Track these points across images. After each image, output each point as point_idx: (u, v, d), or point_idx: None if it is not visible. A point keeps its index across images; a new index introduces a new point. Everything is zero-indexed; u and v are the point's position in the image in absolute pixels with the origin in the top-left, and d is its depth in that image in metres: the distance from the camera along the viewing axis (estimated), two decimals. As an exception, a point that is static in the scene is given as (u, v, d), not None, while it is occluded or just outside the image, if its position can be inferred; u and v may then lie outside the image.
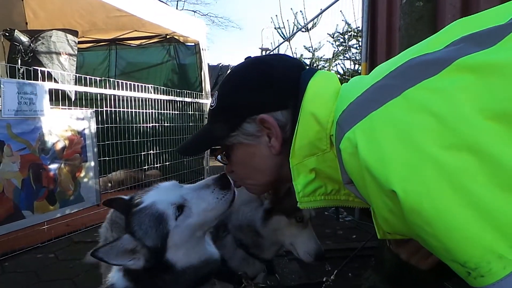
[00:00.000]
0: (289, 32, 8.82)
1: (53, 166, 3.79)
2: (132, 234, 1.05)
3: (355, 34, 5.42)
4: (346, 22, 5.59)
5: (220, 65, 17.56)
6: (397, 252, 0.94)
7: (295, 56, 7.62)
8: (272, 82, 0.93)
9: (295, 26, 8.04)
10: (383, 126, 0.64)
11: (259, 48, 9.00)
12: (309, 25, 7.23)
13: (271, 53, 9.00)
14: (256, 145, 0.96)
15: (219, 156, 1.11)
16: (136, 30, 6.79)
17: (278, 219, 1.56)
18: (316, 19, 6.95)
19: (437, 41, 0.73)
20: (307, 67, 1.01)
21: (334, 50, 6.12)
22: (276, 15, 8.70)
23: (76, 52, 4.94)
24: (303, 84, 0.90)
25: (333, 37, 5.94)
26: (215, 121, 1.02)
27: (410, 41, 2.48)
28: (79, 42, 5.53)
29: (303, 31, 7.47)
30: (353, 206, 0.95)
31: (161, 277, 1.07)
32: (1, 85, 3.20)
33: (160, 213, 1.05)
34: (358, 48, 5.49)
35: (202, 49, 6.63)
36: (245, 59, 1.08)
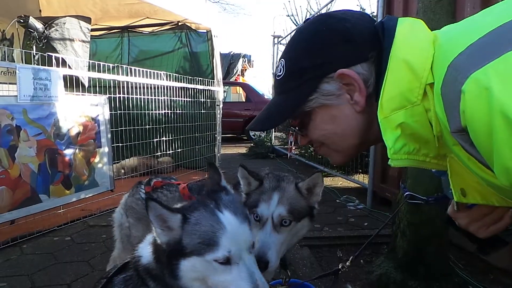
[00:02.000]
0: (302, 19, 8.69)
1: (68, 151, 3.86)
2: (183, 219, 1.03)
3: (370, 19, 5.30)
4: (361, 7, 5.47)
5: (232, 53, 17.52)
6: (454, 217, 0.92)
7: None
8: (347, 36, 0.86)
9: (308, 12, 7.91)
10: None
11: (272, 36, 8.89)
12: (323, 11, 7.10)
13: (284, 40, 8.89)
14: (337, 105, 0.89)
15: (292, 128, 1.02)
16: (148, 17, 6.78)
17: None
18: (329, 4, 6.82)
19: None
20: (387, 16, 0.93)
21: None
22: (289, 1, 8.57)
23: (89, 38, 4.96)
24: (390, 31, 0.83)
25: (347, 23, 5.82)
26: (287, 90, 0.93)
27: (428, 25, 2.40)
28: (92, 30, 5.55)
29: (316, 18, 7.34)
30: (428, 168, 0.86)
31: (168, 274, 1.06)
32: (17, 71, 3.24)
33: (216, 242, 1.00)
34: (373, 34, 5.36)
35: (214, 36, 6.60)
36: (304, 21, 1.00)
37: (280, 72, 0.94)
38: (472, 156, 0.69)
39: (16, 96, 3.32)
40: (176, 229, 1.03)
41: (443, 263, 2.56)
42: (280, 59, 0.97)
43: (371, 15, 5.29)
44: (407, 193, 2.44)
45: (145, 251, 1.16)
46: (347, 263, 1.63)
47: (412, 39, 0.81)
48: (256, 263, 1.09)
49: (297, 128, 1.02)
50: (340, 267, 1.63)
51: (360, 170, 5.47)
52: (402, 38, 0.81)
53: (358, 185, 5.26)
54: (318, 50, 0.88)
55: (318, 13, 7.22)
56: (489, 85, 0.59)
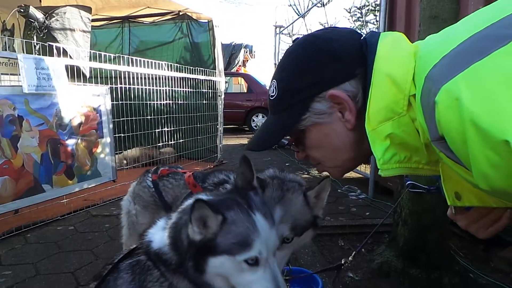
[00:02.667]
0: (304, 8, 8.60)
1: (70, 141, 3.87)
2: (223, 220, 1.03)
3: (373, 8, 5.25)
4: (364, -3, 5.42)
5: (233, 43, 17.41)
6: (454, 219, 0.93)
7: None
8: (334, 55, 0.90)
9: (310, 1, 7.83)
10: (491, 76, 0.60)
11: (273, 26, 8.82)
12: (325, 0, 7.02)
13: (285, 30, 8.82)
14: (329, 123, 0.92)
15: (288, 145, 1.06)
16: (148, 7, 6.73)
17: None
18: (331, -6, 6.75)
19: None
20: (372, 31, 0.96)
21: (351, 26, 5.96)
22: (291, -10, 8.48)
23: (89, 28, 4.94)
24: (372, 47, 0.86)
25: (349, 12, 5.78)
26: (281, 110, 0.97)
27: (432, 13, 2.38)
28: (92, 20, 5.52)
29: (318, 7, 7.27)
30: (422, 174, 0.90)
31: (192, 266, 1.07)
32: (20, 61, 3.23)
33: (248, 243, 1.03)
34: (376, 23, 5.33)
35: (215, 26, 6.55)
36: (293, 41, 1.04)
37: (273, 92, 0.98)
38: (456, 162, 0.71)
39: (18, 86, 3.31)
40: (214, 228, 1.03)
41: (444, 252, 2.57)
42: (272, 80, 1.00)
43: (374, 4, 5.24)
44: (409, 182, 2.46)
45: (156, 236, 1.16)
46: (350, 258, 1.64)
47: (393, 53, 0.84)
48: (278, 266, 1.12)
49: (293, 144, 1.05)
50: (343, 262, 1.63)
51: (362, 160, 5.47)
52: (384, 53, 0.84)
53: (360, 175, 5.27)
54: (308, 71, 0.91)
55: (320, 1, 7.15)
56: (459, 95, 0.61)
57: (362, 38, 0.93)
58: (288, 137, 1.05)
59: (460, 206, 0.87)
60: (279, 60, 1.03)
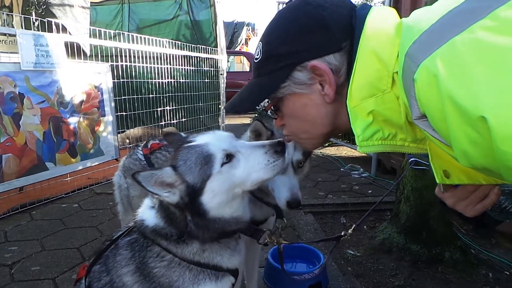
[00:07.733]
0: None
1: (72, 119, 3.85)
2: (174, 168, 1.06)
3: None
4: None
5: (235, 21, 17.11)
6: (441, 197, 0.92)
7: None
8: (323, 24, 0.86)
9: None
10: (468, 51, 0.58)
11: (276, 2, 8.63)
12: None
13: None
14: (308, 94, 0.91)
15: (269, 111, 1.05)
16: (148, -18, 6.59)
17: None
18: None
19: None
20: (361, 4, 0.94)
21: (355, 2, 5.82)
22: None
23: (88, 4, 4.85)
24: (359, 21, 0.84)
25: (354, -12, 5.63)
26: (263, 74, 0.96)
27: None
28: (92, -4, 5.41)
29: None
30: (408, 152, 0.89)
31: (193, 219, 1.08)
32: (18, 37, 3.18)
33: (209, 154, 1.05)
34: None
35: (217, 2, 6.41)
36: (286, 3, 1.00)
37: (257, 55, 0.96)
38: (439, 140, 0.70)
39: (18, 63, 3.27)
40: (177, 180, 1.05)
41: (446, 228, 2.58)
42: (258, 42, 0.98)
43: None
44: (412, 159, 2.44)
45: (146, 215, 1.17)
46: (349, 231, 1.65)
47: (381, 29, 0.82)
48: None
49: (272, 109, 1.04)
50: (342, 233, 1.64)
51: (365, 139, 5.45)
52: (371, 28, 0.82)
53: (363, 154, 5.26)
54: (293, 38, 0.89)
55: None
56: (436, 72, 0.60)
57: (354, 9, 0.90)
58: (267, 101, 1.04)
59: (448, 184, 0.86)
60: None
